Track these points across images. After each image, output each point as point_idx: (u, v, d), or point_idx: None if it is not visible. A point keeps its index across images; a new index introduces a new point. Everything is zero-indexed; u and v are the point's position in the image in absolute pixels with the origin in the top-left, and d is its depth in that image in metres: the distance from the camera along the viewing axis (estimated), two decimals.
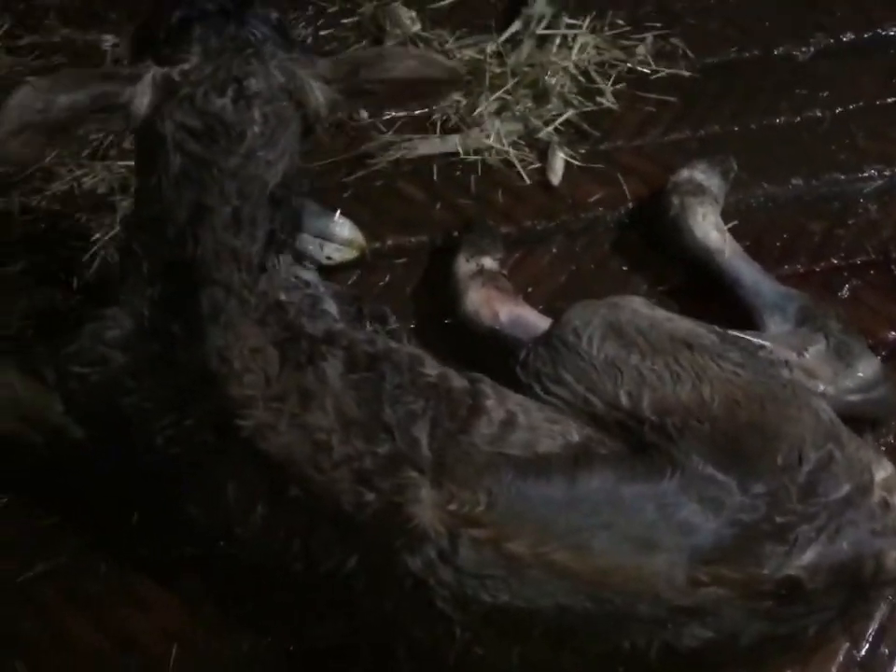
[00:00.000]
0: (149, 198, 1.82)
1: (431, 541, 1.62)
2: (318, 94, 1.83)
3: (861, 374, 2.12)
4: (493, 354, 2.30)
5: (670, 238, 2.44)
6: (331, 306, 1.99)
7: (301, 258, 2.24)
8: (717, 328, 1.96)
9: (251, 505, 1.74)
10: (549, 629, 1.66)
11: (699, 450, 1.67)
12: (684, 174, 2.48)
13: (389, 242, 2.56)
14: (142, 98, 1.77)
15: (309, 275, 2.09)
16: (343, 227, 2.48)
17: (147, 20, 1.91)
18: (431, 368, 1.80)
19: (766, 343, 2.06)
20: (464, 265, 2.41)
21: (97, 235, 2.52)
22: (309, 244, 2.45)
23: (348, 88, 1.85)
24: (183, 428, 1.76)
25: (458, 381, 1.79)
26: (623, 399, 1.76)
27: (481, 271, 2.39)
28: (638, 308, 1.93)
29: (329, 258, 2.46)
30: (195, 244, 1.76)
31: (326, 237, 2.46)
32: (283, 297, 1.82)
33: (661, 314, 1.95)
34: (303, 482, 1.68)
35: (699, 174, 2.47)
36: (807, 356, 2.11)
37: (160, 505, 1.89)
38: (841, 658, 1.91)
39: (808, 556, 1.65)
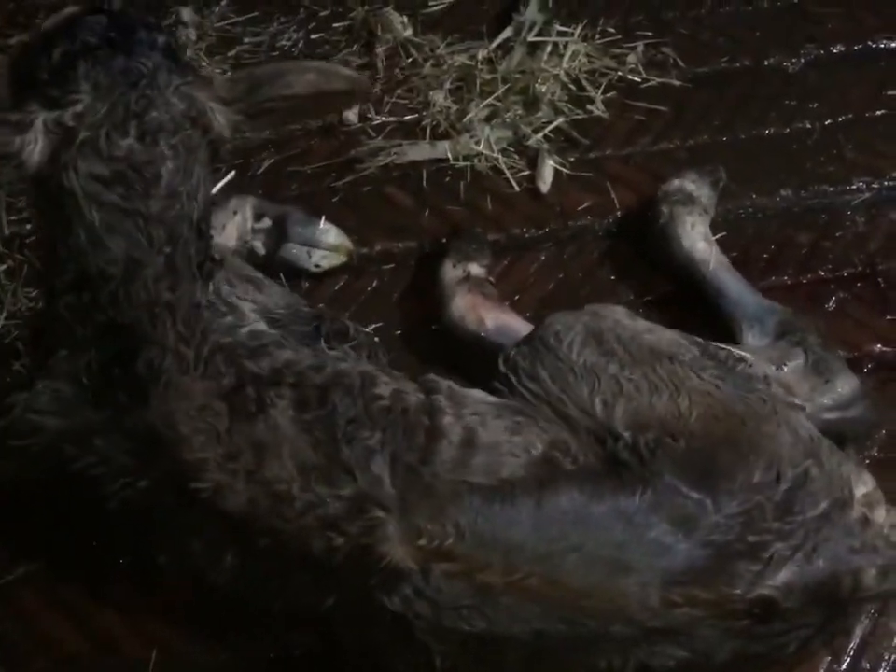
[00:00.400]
0: (70, 259, 1.69)
1: (405, 578, 1.61)
2: (219, 117, 1.74)
3: (839, 391, 2.11)
4: (478, 360, 2.31)
5: (658, 247, 2.44)
6: (258, 324, 1.92)
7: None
8: (698, 339, 1.96)
9: (220, 556, 1.73)
10: (526, 654, 1.66)
11: (672, 469, 1.65)
12: (674, 183, 2.48)
13: (377, 247, 2.56)
14: (34, 147, 1.64)
15: (240, 304, 1.99)
16: (328, 233, 2.47)
17: (22, 56, 1.77)
18: (384, 386, 1.76)
19: (747, 356, 2.05)
20: (450, 271, 2.40)
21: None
22: (296, 252, 2.45)
23: (248, 107, 1.76)
24: (138, 490, 1.72)
25: (413, 396, 1.76)
26: (598, 407, 1.75)
27: (467, 277, 2.38)
28: (620, 318, 1.93)
29: (317, 265, 2.46)
30: (129, 303, 1.68)
31: (312, 244, 2.46)
32: (221, 339, 1.77)
33: (642, 325, 1.95)
34: (270, 533, 1.66)
35: (689, 183, 2.47)
36: (786, 370, 2.11)
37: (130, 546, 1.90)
38: None
39: (783, 575, 1.64)
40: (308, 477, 1.65)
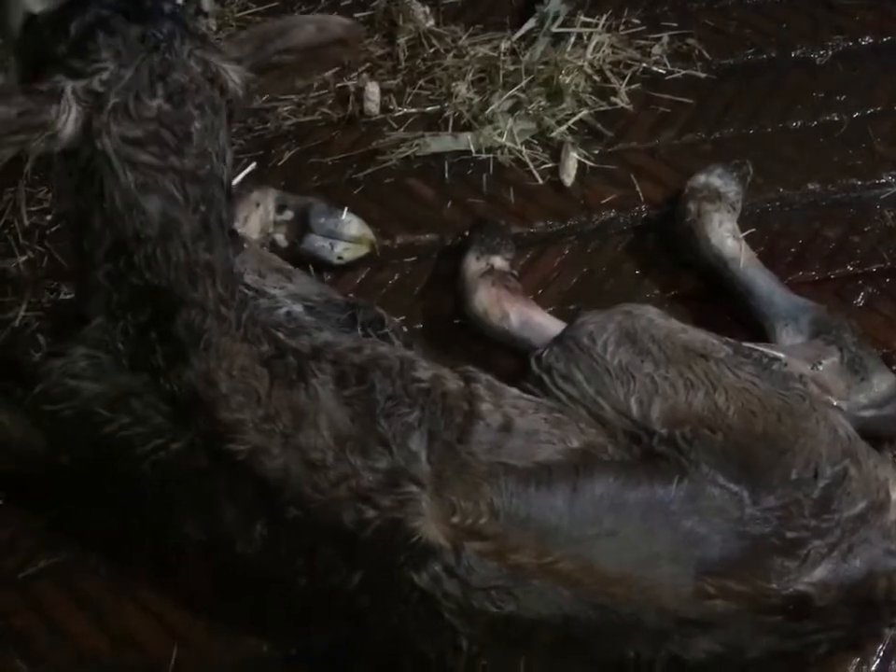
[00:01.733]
0: (105, 226, 1.70)
1: (436, 555, 1.60)
2: (234, 76, 1.76)
3: (875, 390, 2.09)
4: (501, 353, 2.29)
5: (685, 244, 2.41)
6: (293, 307, 1.95)
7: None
8: (730, 340, 1.94)
9: (250, 525, 1.72)
10: (554, 639, 1.65)
11: (709, 459, 1.65)
12: (701, 179, 2.44)
13: (399, 240, 2.53)
14: (67, 116, 1.65)
15: (272, 290, 2.01)
16: (351, 225, 2.45)
17: (34, 34, 1.79)
18: (423, 371, 1.77)
19: (780, 356, 2.03)
20: (473, 264, 2.38)
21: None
22: (319, 244, 2.43)
23: (258, 63, 1.79)
24: (172, 453, 1.72)
25: (453, 383, 1.76)
26: (634, 407, 1.74)
27: (490, 270, 2.36)
28: (654, 318, 1.91)
29: (340, 257, 2.44)
30: (167, 263, 1.68)
31: (335, 236, 2.44)
32: (259, 316, 1.78)
33: (676, 324, 1.93)
34: (302, 502, 1.66)
35: (716, 179, 2.44)
36: (821, 368, 2.09)
37: (157, 517, 1.86)
38: None
39: (819, 573, 1.63)
40: (344, 447, 1.66)
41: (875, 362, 2.14)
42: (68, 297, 2.40)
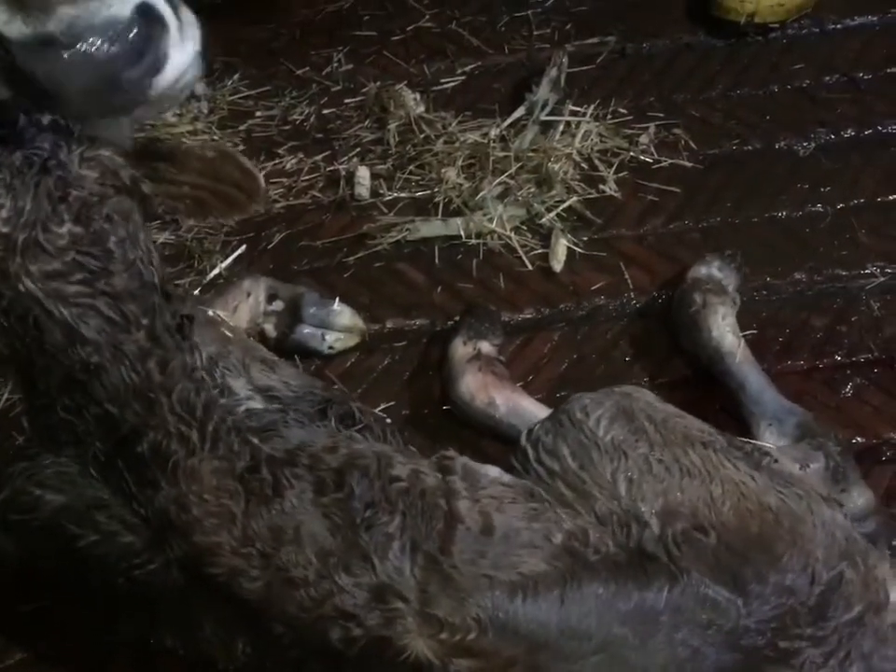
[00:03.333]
0: (50, 361, 1.58)
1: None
2: (126, 173, 1.63)
3: (854, 503, 2.07)
4: (489, 441, 2.28)
5: (686, 333, 2.41)
6: (252, 402, 1.87)
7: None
8: (724, 434, 1.91)
9: (232, 643, 1.68)
10: None
11: (701, 567, 1.60)
12: (702, 270, 2.46)
13: (389, 325, 2.53)
14: None
15: (231, 381, 1.92)
16: (342, 315, 2.45)
17: None
18: (401, 467, 1.71)
19: (772, 451, 2.01)
20: (461, 348, 2.38)
21: None
22: (310, 333, 2.42)
23: (144, 167, 1.65)
24: (148, 573, 1.67)
25: (431, 477, 1.71)
26: (622, 486, 1.68)
27: (478, 355, 2.35)
28: (652, 401, 1.89)
29: (331, 347, 2.43)
30: (121, 391, 1.58)
31: (326, 326, 2.43)
32: (226, 416, 1.70)
33: (673, 409, 1.91)
34: (286, 620, 1.61)
35: (716, 272, 2.45)
36: (809, 471, 2.07)
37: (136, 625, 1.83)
38: None
39: None
40: (326, 563, 1.60)
41: (856, 476, 2.12)
42: None
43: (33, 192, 1.56)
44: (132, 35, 1.64)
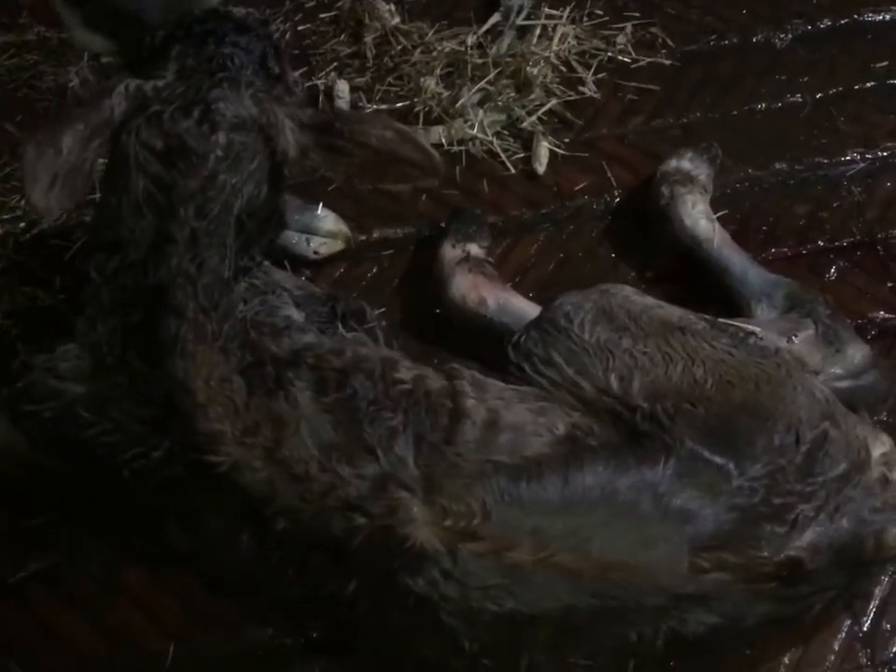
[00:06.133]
0: (110, 219, 1.78)
1: (431, 560, 1.60)
2: (289, 135, 1.79)
3: (850, 360, 2.12)
4: (480, 341, 2.30)
5: (660, 227, 2.44)
6: (293, 311, 1.93)
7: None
8: (706, 315, 1.96)
9: (236, 536, 1.71)
10: (555, 630, 1.65)
11: (692, 435, 1.66)
12: (672, 163, 2.47)
13: (375, 234, 2.54)
14: (119, 107, 1.75)
15: (277, 275, 2.04)
16: (326, 219, 2.45)
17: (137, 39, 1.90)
18: (406, 371, 1.76)
19: (756, 330, 2.05)
20: (450, 251, 2.39)
21: (78, 233, 2.49)
22: (294, 240, 2.43)
23: (320, 139, 1.79)
24: (151, 462, 1.71)
25: (436, 381, 1.75)
26: (614, 383, 1.75)
27: (467, 257, 2.37)
28: (630, 295, 1.93)
29: (316, 252, 2.44)
30: (155, 270, 1.71)
31: (311, 231, 2.44)
32: (243, 315, 1.78)
33: (651, 300, 1.95)
34: (289, 513, 1.64)
35: (687, 163, 2.47)
36: (796, 341, 2.12)
37: (143, 520, 1.87)
38: (843, 634, 1.92)
39: (808, 536, 1.65)
40: (329, 456, 1.63)
41: (849, 333, 2.17)
42: (45, 304, 2.40)
43: (192, 82, 1.77)
44: None
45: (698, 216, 2.38)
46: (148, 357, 1.70)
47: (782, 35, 2.91)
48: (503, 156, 2.66)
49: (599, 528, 1.61)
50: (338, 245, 2.47)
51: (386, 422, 1.67)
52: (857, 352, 2.14)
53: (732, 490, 1.63)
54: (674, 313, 1.92)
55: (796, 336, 2.13)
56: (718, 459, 1.64)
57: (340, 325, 1.97)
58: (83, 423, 1.75)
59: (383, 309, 2.40)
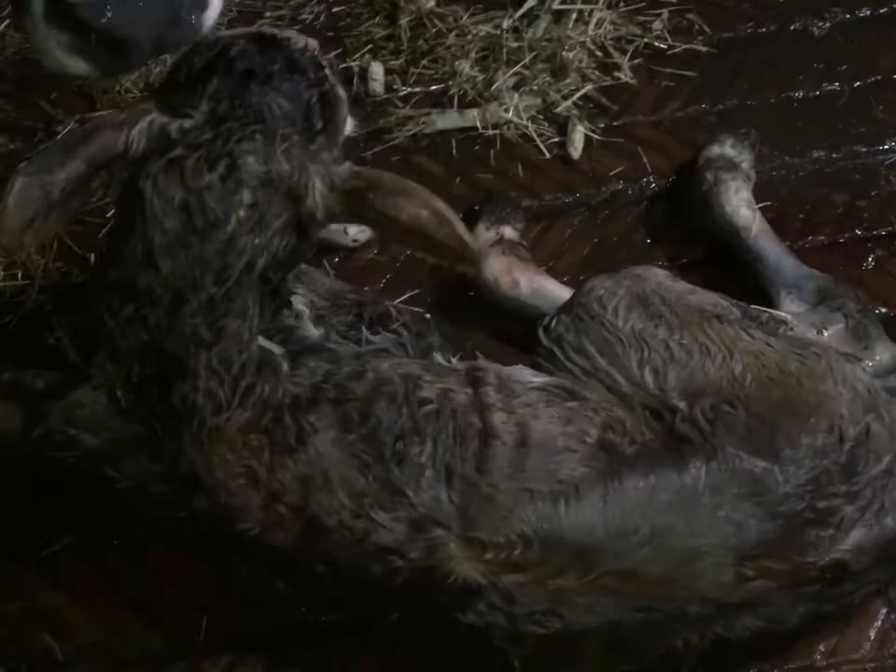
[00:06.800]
0: (124, 262, 1.64)
1: (476, 593, 1.59)
2: (318, 198, 1.63)
3: (878, 359, 2.10)
4: (513, 323, 2.29)
5: (699, 212, 2.42)
6: (309, 327, 1.87)
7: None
8: (739, 302, 1.94)
9: (270, 584, 1.71)
10: (602, 644, 1.65)
11: (733, 440, 1.63)
12: (714, 149, 2.46)
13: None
14: (139, 143, 1.62)
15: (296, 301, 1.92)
16: None
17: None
18: (429, 387, 1.70)
19: (788, 318, 2.04)
20: (484, 233, 2.38)
21: (113, 211, 2.50)
22: (334, 228, 2.39)
23: (351, 206, 1.65)
24: (178, 519, 1.69)
25: (460, 394, 1.70)
26: (649, 378, 1.71)
27: (500, 239, 2.36)
28: (663, 280, 1.90)
29: (355, 240, 2.44)
30: (169, 332, 1.62)
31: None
32: (263, 355, 1.68)
33: (684, 286, 1.93)
34: (325, 561, 1.63)
35: (729, 149, 2.45)
36: (826, 335, 2.10)
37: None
38: (879, 622, 1.90)
39: (854, 538, 1.63)
40: (361, 504, 1.61)
41: (879, 331, 2.15)
42: (79, 280, 2.41)
43: (221, 129, 1.60)
44: None
45: (740, 203, 2.36)
46: (163, 418, 1.65)
47: (820, 24, 2.88)
48: (538, 140, 2.64)
49: (642, 546, 1.59)
50: (375, 232, 2.46)
51: (415, 457, 1.63)
52: (886, 350, 2.12)
53: (776, 497, 1.60)
54: (708, 298, 1.90)
55: (826, 329, 2.12)
56: (760, 464, 1.61)
57: (365, 330, 1.91)
58: (104, 476, 1.72)
59: (416, 291, 2.39)
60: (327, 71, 1.76)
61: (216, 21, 1.79)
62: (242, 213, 1.60)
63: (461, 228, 1.63)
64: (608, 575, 1.58)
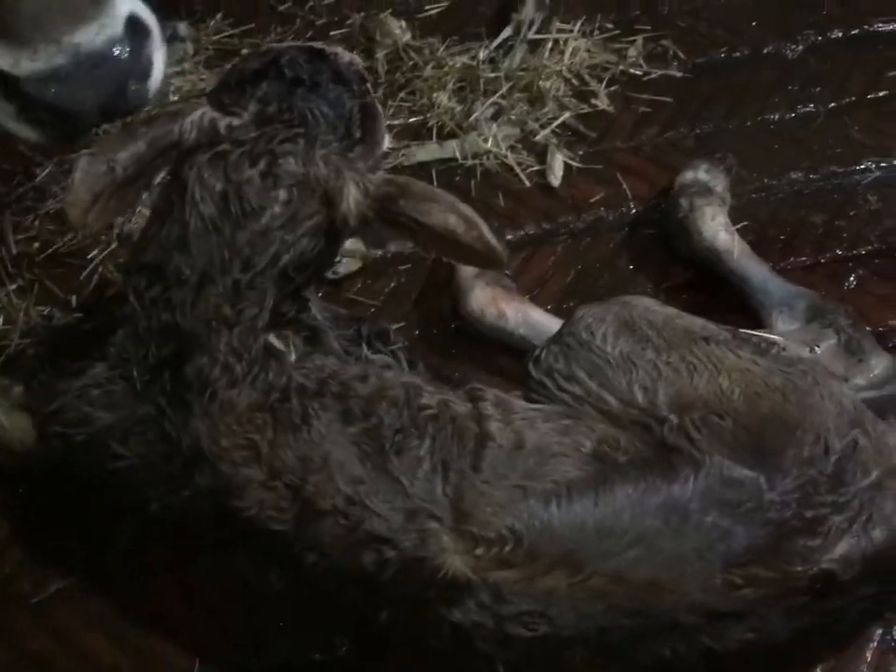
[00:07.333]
0: (158, 244, 1.74)
1: (464, 589, 1.58)
2: (352, 202, 1.73)
3: (873, 371, 2.11)
4: (500, 354, 2.30)
5: (678, 238, 2.43)
6: (329, 338, 1.90)
7: None
8: (728, 327, 1.94)
9: (265, 571, 1.70)
10: (591, 652, 1.63)
11: (721, 449, 1.63)
12: (689, 175, 2.47)
13: (392, 248, 2.53)
14: (190, 134, 1.73)
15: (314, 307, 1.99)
16: None
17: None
18: (429, 396, 1.73)
19: (778, 340, 2.04)
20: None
21: (94, 252, 2.50)
22: None
23: (383, 211, 1.75)
24: (180, 498, 1.70)
25: (460, 405, 1.73)
26: (639, 395, 1.72)
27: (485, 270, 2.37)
28: (651, 306, 1.91)
29: (335, 272, 2.43)
30: (192, 311, 1.69)
31: None
32: (276, 345, 1.74)
33: (672, 311, 1.93)
34: (318, 549, 1.63)
35: (703, 174, 2.46)
36: (819, 351, 2.11)
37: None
38: (875, 644, 1.90)
39: (841, 548, 1.62)
40: (357, 490, 1.62)
41: (871, 344, 2.16)
42: (61, 323, 2.39)
43: (267, 129, 1.72)
44: (127, 47, 1.83)
45: (718, 227, 2.37)
46: (174, 395, 1.68)
47: (793, 46, 2.92)
48: (518, 169, 2.66)
49: (632, 549, 1.59)
50: (356, 265, 2.46)
51: (413, 451, 1.65)
52: (880, 362, 2.13)
53: (763, 505, 1.60)
54: (696, 322, 1.90)
55: (818, 346, 2.12)
56: (748, 473, 1.61)
57: (365, 346, 1.95)
58: (112, 454, 1.73)
59: (402, 324, 2.38)
60: (369, 85, 1.89)
61: (159, 88, 1.95)
62: (277, 208, 1.70)
63: (487, 231, 1.73)
64: (596, 576, 1.57)
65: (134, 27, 1.84)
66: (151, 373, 1.71)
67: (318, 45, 1.92)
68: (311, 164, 1.72)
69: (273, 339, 1.73)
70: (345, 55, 1.89)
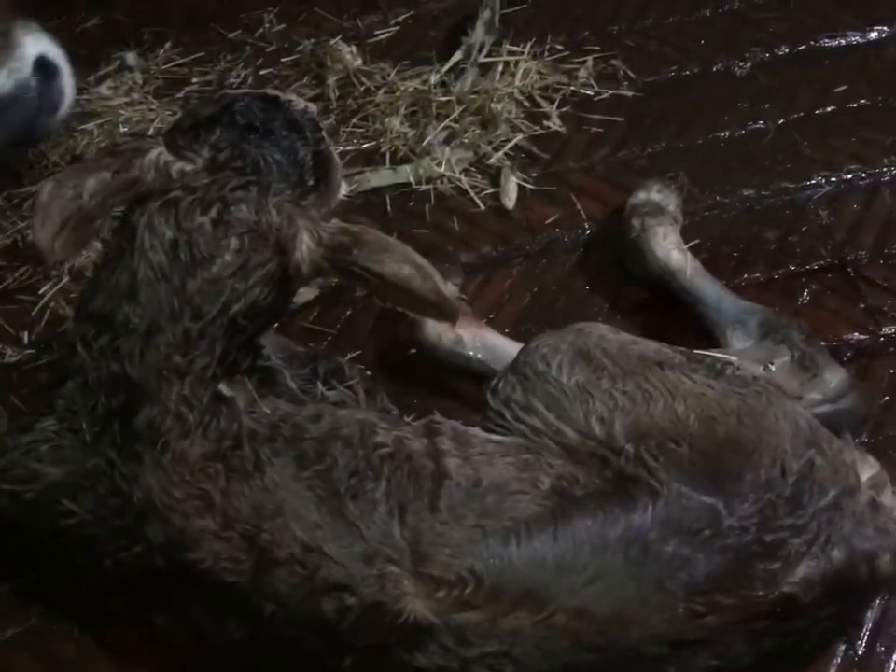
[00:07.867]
0: (106, 292, 1.72)
1: (427, 633, 1.57)
2: (304, 251, 1.73)
3: (828, 385, 2.12)
4: (458, 379, 2.29)
5: (632, 260, 2.44)
6: (285, 378, 1.88)
7: None
8: (681, 348, 1.95)
9: (223, 621, 1.68)
10: None
11: (679, 476, 1.63)
12: (640, 195, 2.47)
13: None
14: (148, 174, 1.72)
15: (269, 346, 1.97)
16: None
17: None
18: (384, 434, 1.72)
19: (732, 360, 2.05)
20: None
21: (45, 288, 2.47)
22: None
23: (336, 260, 1.74)
24: (133, 554, 1.68)
25: (416, 441, 1.71)
26: (596, 427, 1.71)
27: None
28: (605, 333, 1.90)
29: (293, 303, 2.41)
30: (141, 361, 1.67)
31: None
32: (227, 393, 1.72)
33: (627, 337, 1.93)
34: (276, 598, 1.61)
35: (655, 194, 2.47)
36: (773, 369, 2.12)
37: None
38: (838, 659, 1.90)
39: (801, 571, 1.63)
40: (314, 537, 1.60)
41: (825, 358, 2.17)
42: (13, 360, 2.36)
43: (217, 177, 1.71)
44: (38, 88, 1.98)
45: (670, 247, 2.38)
46: (125, 447, 1.66)
47: (741, 64, 2.95)
48: (472, 192, 2.66)
49: (593, 584, 1.58)
50: (312, 293, 2.45)
51: (369, 494, 1.63)
52: (834, 376, 2.14)
53: (722, 531, 1.60)
54: (650, 347, 1.90)
55: (773, 364, 2.13)
56: (706, 500, 1.62)
57: (320, 384, 1.92)
58: (62, 511, 1.71)
59: (358, 352, 2.37)
60: (323, 133, 1.88)
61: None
62: (228, 257, 1.69)
63: (441, 282, 1.75)
64: (559, 612, 1.57)
65: (44, 67, 1.95)
66: (101, 424, 1.68)
67: (273, 92, 1.91)
68: (263, 212, 1.71)
69: (223, 386, 1.71)
70: (300, 102, 1.89)
